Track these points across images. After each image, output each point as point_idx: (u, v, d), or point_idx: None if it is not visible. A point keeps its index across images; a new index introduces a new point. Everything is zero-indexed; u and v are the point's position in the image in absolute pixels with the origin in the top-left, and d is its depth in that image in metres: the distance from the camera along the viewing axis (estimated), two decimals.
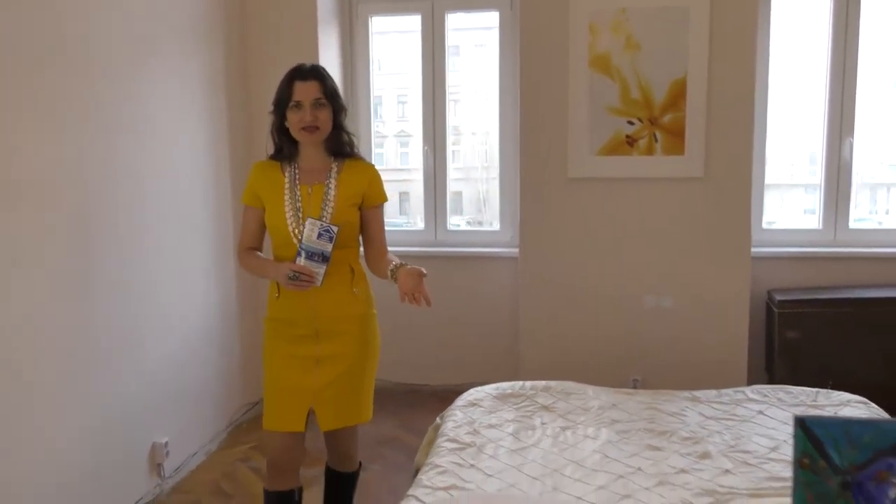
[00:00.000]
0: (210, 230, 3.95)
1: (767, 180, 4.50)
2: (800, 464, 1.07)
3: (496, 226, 4.78)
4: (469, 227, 4.91)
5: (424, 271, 2.40)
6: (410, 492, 2.45)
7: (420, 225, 4.87)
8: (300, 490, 2.60)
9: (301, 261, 2.38)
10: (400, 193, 5.26)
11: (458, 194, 5.09)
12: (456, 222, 4.90)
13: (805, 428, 1.07)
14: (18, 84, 2.65)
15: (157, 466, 3.47)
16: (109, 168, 3.15)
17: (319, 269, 2.38)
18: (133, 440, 3.33)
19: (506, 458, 2.70)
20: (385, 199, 2.63)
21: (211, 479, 3.59)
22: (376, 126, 5.01)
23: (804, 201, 4.84)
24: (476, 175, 5.05)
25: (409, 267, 2.44)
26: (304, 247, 2.38)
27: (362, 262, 2.68)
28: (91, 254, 3.04)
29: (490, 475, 2.56)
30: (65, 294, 2.90)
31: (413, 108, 4.92)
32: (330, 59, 4.46)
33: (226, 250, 4.06)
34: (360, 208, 2.55)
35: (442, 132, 4.72)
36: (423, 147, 4.75)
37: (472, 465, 2.65)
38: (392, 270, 2.49)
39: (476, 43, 5.01)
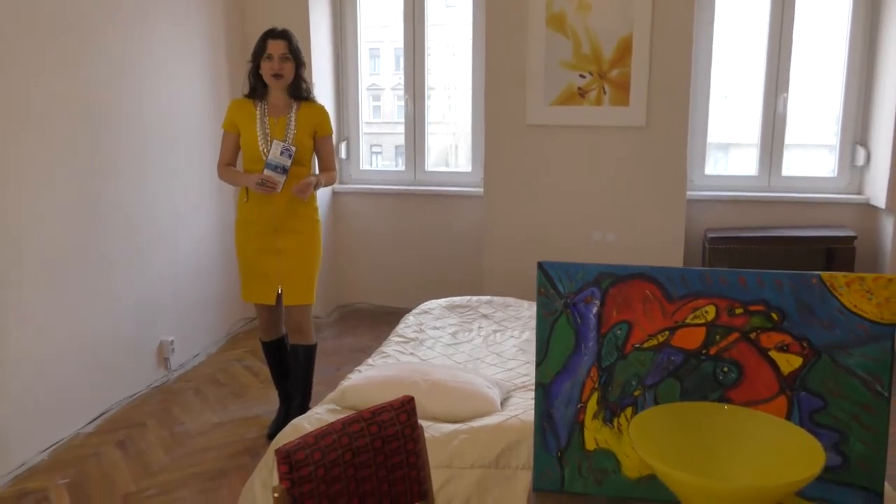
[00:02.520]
0: (209, 157, 4.53)
1: (726, 139, 4.99)
2: (539, 292, 1.65)
3: (468, 168, 5.34)
4: (444, 169, 5.47)
5: (313, 186, 3.27)
6: (356, 368, 3.10)
7: (401, 166, 5.44)
8: (285, 336, 3.55)
9: (267, 172, 3.16)
10: (396, 147, 5.80)
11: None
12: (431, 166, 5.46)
13: (542, 268, 1.65)
14: (41, 31, 3.26)
15: (164, 360, 4.14)
16: (119, 101, 3.78)
17: (280, 179, 3.18)
18: (144, 337, 4.00)
19: (440, 350, 3.32)
20: (330, 132, 3.41)
21: (209, 372, 4.27)
22: (371, 79, 5.58)
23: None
24: (449, 126, 5.59)
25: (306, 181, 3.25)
26: (269, 161, 3.16)
27: None
28: (104, 175, 3.68)
29: (423, 360, 3.18)
30: (82, 211, 3.54)
31: (387, 62, 5.45)
32: (320, 14, 4.99)
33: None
34: (313, 138, 3.32)
35: (421, 83, 5.25)
36: (405, 96, 5.29)
37: (411, 354, 3.27)
38: (318, 176, 3.34)
39: (447, 4, 5.48)
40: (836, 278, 1.52)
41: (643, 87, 4.55)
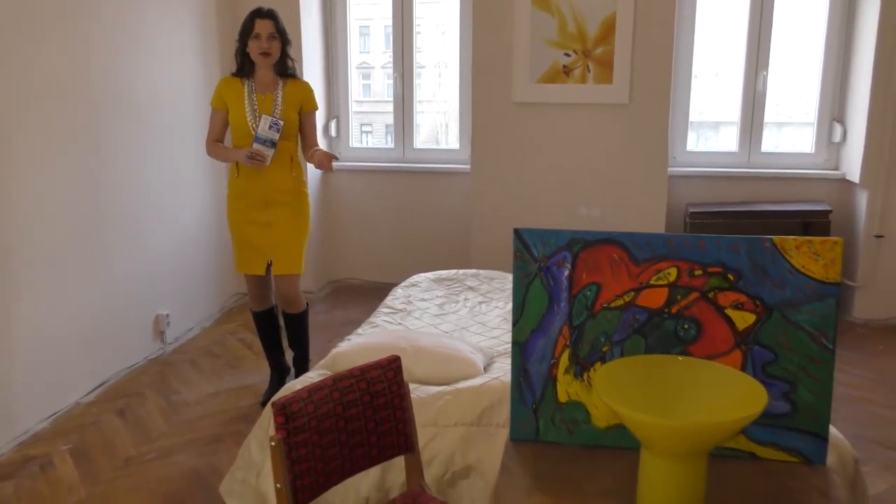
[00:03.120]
0: (203, 136, 4.59)
1: (715, 117, 5.12)
2: (515, 256, 1.78)
3: (456, 145, 5.45)
4: (427, 146, 5.57)
5: (336, 155, 3.38)
6: (346, 337, 3.23)
7: (391, 144, 5.55)
8: (274, 307, 3.69)
9: (256, 146, 3.28)
10: (386, 125, 5.90)
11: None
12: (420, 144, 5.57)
13: (518, 234, 1.78)
14: (39, 15, 3.34)
15: (160, 333, 4.26)
16: (114, 82, 3.86)
17: (269, 153, 3.31)
18: (141, 310, 4.12)
19: (427, 320, 3.45)
20: (316, 107, 3.55)
21: (204, 345, 4.39)
22: (360, 58, 5.67)
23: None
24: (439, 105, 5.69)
25: (323, 150, 3.37)
26: (258, 136, 3.29)
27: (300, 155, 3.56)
28: (102, 154, 3.78)
29: (411, 329, 3.31)
30: (82, 189, 3.65)
31: (377, 41, 5.54)
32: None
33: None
34: (298, 113, 3.44)
35: (410, 62, 5.35)
36: (393, 75, 5.39)
37: (399, 324, 3.40)
38: (312, 153, 3.42)
39: None
40: (786, 241, 1.66)
41: (626, 66, 4.66)
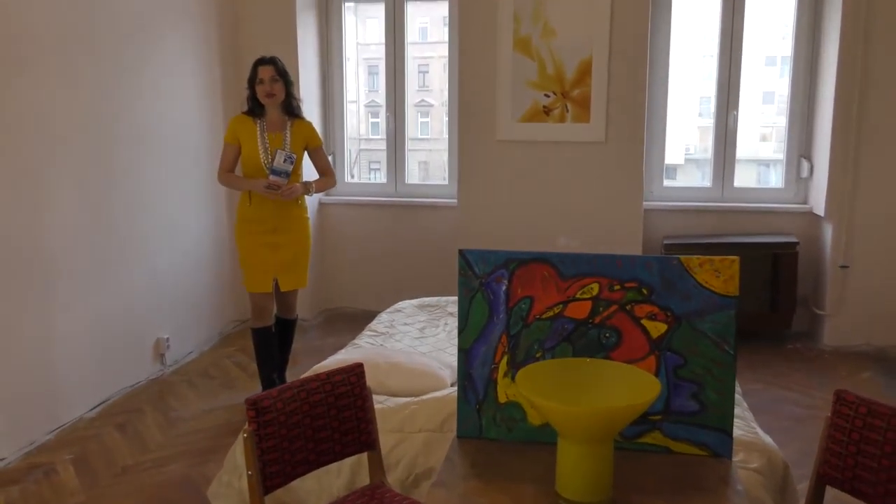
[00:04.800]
0: (204, 166, 4.92)
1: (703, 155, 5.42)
2: (459, 273, 2.04)
3: (445, 180, 5.74)
4: (424, 181, 5.87)
5: (307, 190, 3.86)
6: (330, 357, 3.47)
7: (384, 179, 5.84)
8: (273, 325, 4.01)
9: (272, 177, 3.69)
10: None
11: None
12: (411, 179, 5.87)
13: (462, 254, 2.03)
14: (63, 55, 3.67)
15: (160, 356, 4.52)
16: (123, 114, 4.20)
17: (283, 183, 3.71)
18: (142, 333, 4.38)
19: (407, 342, 3.69)
20: (320, 142, 3.96)
21: (201, 367, 4.64)
22: (370, 96, 6.02)
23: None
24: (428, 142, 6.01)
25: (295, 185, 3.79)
26: (274, 168, 3.70)
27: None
28: (108, 182, 4.09)
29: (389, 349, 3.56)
30: (90, 212, 3.95)
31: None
32: (307, 38, 5.41)
33: (218, 191, 5.06)
34: (305, 150, 3.85)
35: (402, 103, 5.66)
36: (386, 114, 5.70)
37: (381, 345, 3.65)
38: (308, 183, 3.88)
39: (443, 27, 5.92)
40: (691, 260, 1.91)
41: (602, 106, 4.95)
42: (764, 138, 5.98)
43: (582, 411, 1.62)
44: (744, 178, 5.44)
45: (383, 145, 5.86)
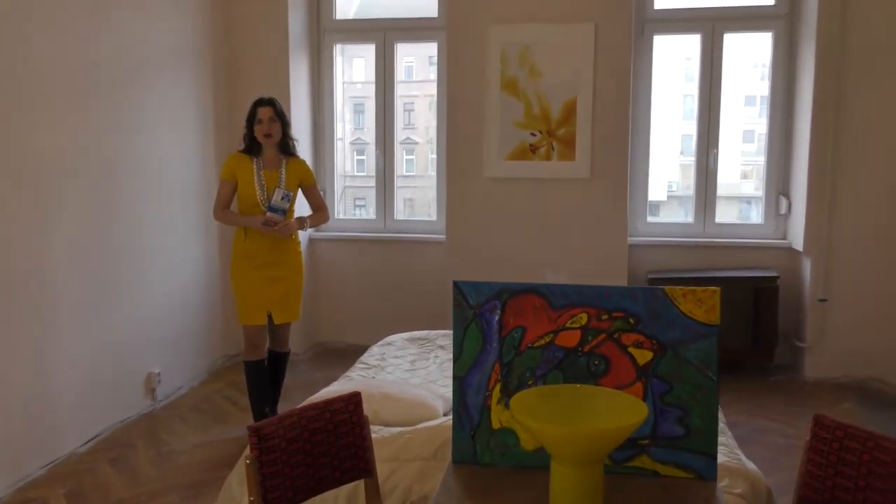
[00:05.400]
0: (197, 205, 5.00)
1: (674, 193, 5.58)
2: (454, 304, 2.12)
3: (434, 216, 5.85)
4: (410, 217, 5.98)
5: (302, 225, 4.00)
6: (323, 389, 3.53)
7: (373, 215, 5.95)
8: (266, 359, 4.08)
9: (270, 214, 3.80)
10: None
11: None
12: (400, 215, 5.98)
13: (456, 286, 2.13)
14: (61, 98, 3.77)
15: (151, 391, 4.55)
16: (120, 153, 4.29)
17: (281, 219, 3.83)
18: (134, 368, 4.42)
19: (399, 375, 3.76)
20: (314, 180, 4.11)
21: (192, 402, 4.67)
22: (355, 134, 6.15)
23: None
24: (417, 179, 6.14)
25: (297, 219, 3.94)
26: (272, 205, 3.81)
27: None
28: (104, 219, 4.16)
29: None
30: (84, 252, 4.01)
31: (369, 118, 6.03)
32: (299, 78, 5.54)
33: (210, 228, 5.14)
34: (299, 187, 3.97)
35: (391, 141, 5.79)
36: (376, 151, 5.83)
37: (373, 377, 3.71)
38: (303, 218, 4.00)
39: (428, 66, 6.09)
40: (675, 291, 2.01)
41: (587, 144, 5.10)
42: (745, 176, 6.15)
43: (574, 433, 1.70)
44: (726, 214, 5.59)
45: (368, 182, 5.99)
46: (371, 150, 5.98)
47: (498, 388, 2.10)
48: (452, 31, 5.21)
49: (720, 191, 5.49)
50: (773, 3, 5.20)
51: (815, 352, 5.07)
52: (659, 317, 2.02)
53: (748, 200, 5.98)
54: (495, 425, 2.11)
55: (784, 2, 5.17)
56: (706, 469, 2.02)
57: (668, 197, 6.38)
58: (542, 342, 2.08)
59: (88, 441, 4.01)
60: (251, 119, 3.90)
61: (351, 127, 6.36)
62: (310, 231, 5.53)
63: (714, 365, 2.00)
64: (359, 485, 2.35)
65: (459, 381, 2.13)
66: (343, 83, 5.96)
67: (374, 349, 4.20)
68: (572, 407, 1.86)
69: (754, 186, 5.57)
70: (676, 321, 2.01)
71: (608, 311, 2.04)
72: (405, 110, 6.36)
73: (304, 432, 2.11)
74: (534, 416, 1.77)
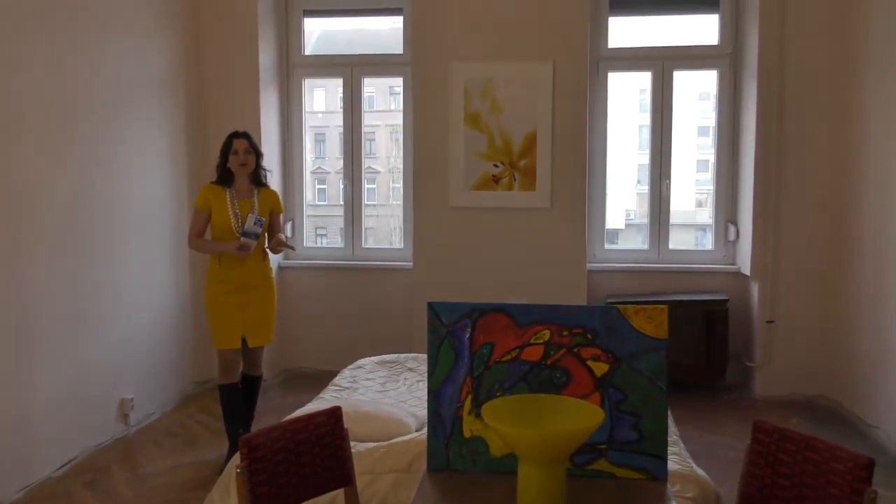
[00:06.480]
0: (169, 235, 5.14)
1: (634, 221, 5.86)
2: (428, 323, 2.32)
3: (400, 244, 6.04)
4: (379, 246, 6.17)
5: (288, 244, 4.19)
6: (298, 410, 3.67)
7: (340, 244, 6.12)
8: (239, 382, 4.21)
9: (243, 239, 3.96)
10: (339, 228, 6.48)
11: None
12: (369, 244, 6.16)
13: (430, 306, 2.32)
14: (36, 131, 3.90)
15: (124, 416, 4.63)
16: (93, 191, 4.40)
17: (253, 244, 3.99)
18: (107, 393, 4.50)
19: (370, 396, 3.93)
20: (282, 210, 4.30)
21: (165, 426, 4.76)
22: (316, 163, 6.32)
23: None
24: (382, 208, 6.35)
25: (279, 237, 4.14)
26: (246, 231, 3.98)
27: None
28: (77, 250, 4.27)
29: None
30: (59, 282, 4.11)
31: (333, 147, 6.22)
32: (269, 111, 5.73)
33: (181, 258, 5.26)
34: (269, 214, 4.12)
35: (359, 169, 5.99)
36: (343, 181, 6.02)
37: (345, 398, 3.87)
38: (274, 238, 4.19)
39: (389, 96, 6.33)
40: (628, 309, 2.23)
41: (547, 175, 5.36)
42: (700, 204, 6.48)
43: (539, 434, 1.89)
44: (682, 241, 5.89)
45: (330, 211, 6.18)
46: (331, 178, 6.18)
47: (469, 399, 2.29)
48: (417, 68, 5.46)
49: (676, 219, 5.79)
50: (718, 43, 5.55)
51: (763, 371, 5.35)
52: (614, 332, 2.23)
53: (703, 228, 6.30)
54: (467, 434, 2.30)
55: (728, 41, 5.52)
56: (658, 470, 2.23)
57: (627, 225, 6.68)
58: (509, 357, 2.27)
59: (63, 465, 4.08)
60: (226, 150, 4.08)
61: (312, 156, 6.53)
62: (279, 259, 5.67)
63: (663, 375, 2.21)
64: (339, 493, 2.50)
65: (434, 394, 2.32)
66: (305, 113, 6.14)
67: (346, 372, 4.36)
68: (537, 414, 2.06)
69: (709, 214, 5.88)
70: (629, 336, 2.22)
71: (568, 328, 2.25)
72: (366, 139, 6.56)
73: (289, 444, 2.27)
74: (503, 421, 1.96)
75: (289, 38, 5.92)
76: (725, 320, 5.31)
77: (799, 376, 5.30)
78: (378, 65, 6.03)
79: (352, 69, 5.93)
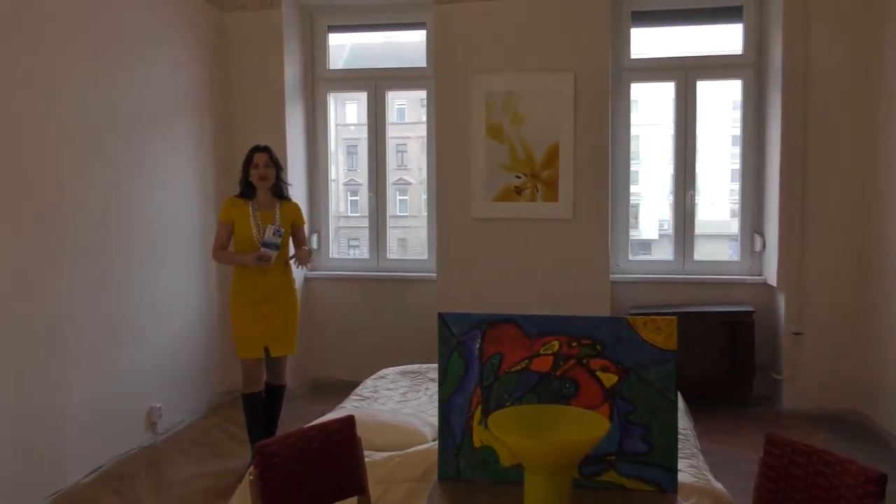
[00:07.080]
0: (198, 247, 5.24)
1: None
2: (439, 333, 2.34)
3: (425, 255, 6.08)
4: (403, 257, 6.22)
5: (310, 255, 4.27)
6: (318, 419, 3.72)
7: (367, 255, 6.18)
8: (263, 392, 4.27)
9: (263, 249, 4.03)
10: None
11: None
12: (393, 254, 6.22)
13: (441, 317, 2.35)
14: (71, 144, 4.02)
15: (152, 424, 4.72)
16: (125, 204, 4.51)
17: (273, 254, 4.07)
18: (136, 402, 4.59)
19: (391, 406, 3.96)
20: (304, 222, 4.37)
21: (192, 435, 4.84)
22: (349, 175, 6.41)
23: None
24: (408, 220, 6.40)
25: (305, 249, 4.22)
26: (265, 241, 4.05)
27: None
28: (111, 262, 4.38)
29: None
30: (91, 292, 4.22)
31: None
32: (295, 125, 5.82)
33: (209, 269, 5.36)
34: (291, 226, 4.22)
35: (383, 182, 6.06)
36: (369, 193, 6.08)
37: (365, 408, 3.90)
38: (299, 249, 4.27)
39: (420, 108, 6.38)
40: (637, 320, 2.24)
41: (569, 186, 5.37)
42: (734, 214, 6.37)
43: (545, 445, 1.90)
44: (716, 251, 5.84)
45: (362, 222, 6.24)
46: (364, 190, 6.24)
47: (479, 409, 2.31)
48: (440, 81, 5.51)
49: (710, 229, 5.76)
50: (742, 53, 5.52)
51: (791, 384, 5.27)
52: (623, 343, 2.24)
53: (737, 238, 6.24)
54: (476, 444, 2.32)
55: (752, 51, 5.49)
56: (667, 482, 2.22)
57: (660, 235, 6.62)
58: (519, 367, 2.29)
59: (91, 472, 4.17)
60: (247, 164, 4.19)
61: (345, 168, 6.62)
62: (305, 270, 5.74)
63: (672, 386, 2.21)
64: (352, 501, 2.53)
65: (444, 404, 2.34)
66: (336, 125, 6.24)
67: (368, 382, 4.40)
68: (545, 424, 2.07)
69: (731, 225, 5.83)
70: (638, 347, 2.23)
71: (577, 339, 2.26)
72: (398, 151, 6.63)
73: (302, 452, 2.31)
74: (510, 432, 1.98)
75: (314, 52, 6.02)
76: (752, 332, 5.25)
77: (827, 390, 5.22)
78: (402, 78, 6.10)
79: (376, 83, 6.00)
